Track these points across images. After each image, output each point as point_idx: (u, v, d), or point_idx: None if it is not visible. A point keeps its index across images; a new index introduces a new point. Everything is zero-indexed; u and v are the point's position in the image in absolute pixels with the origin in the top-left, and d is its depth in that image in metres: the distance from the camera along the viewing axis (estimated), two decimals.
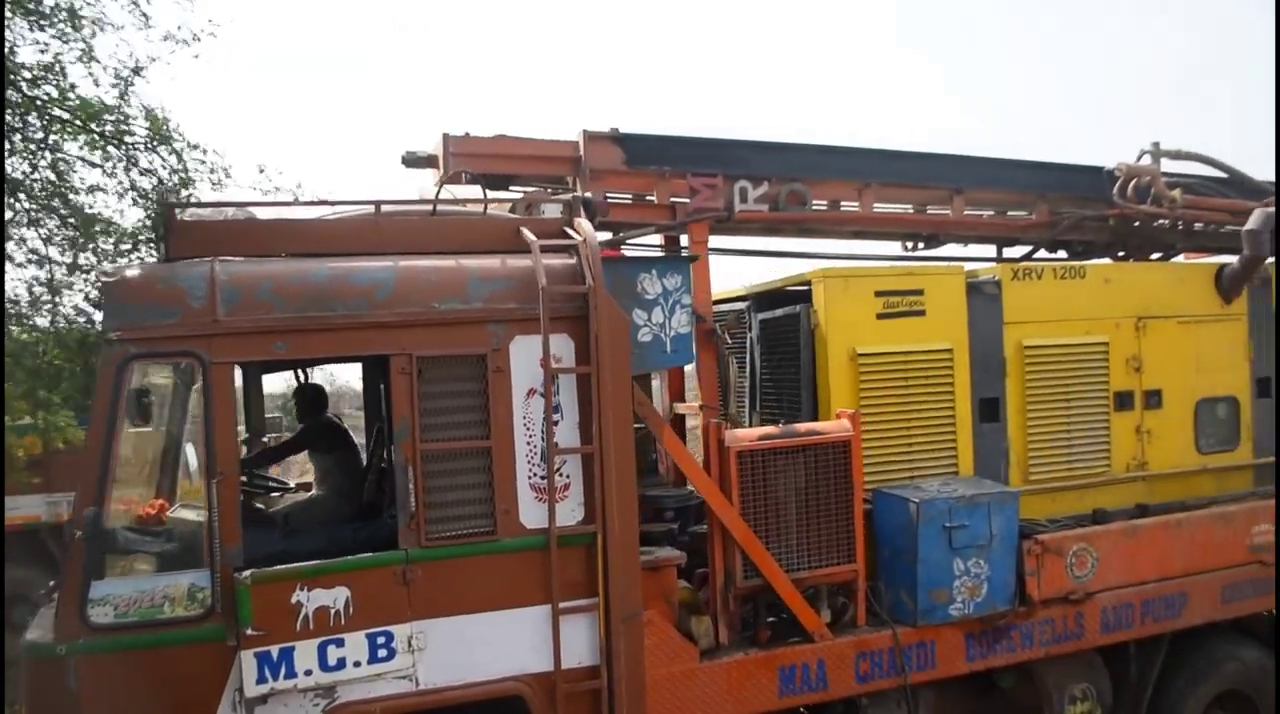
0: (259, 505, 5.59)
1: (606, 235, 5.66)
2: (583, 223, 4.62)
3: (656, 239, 6.04)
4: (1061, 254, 6.99)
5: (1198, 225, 6.88)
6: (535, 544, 4.37)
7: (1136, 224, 6.71)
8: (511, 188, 5.63)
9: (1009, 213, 6.59)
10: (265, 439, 6.42)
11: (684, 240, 5.84)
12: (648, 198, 5.66)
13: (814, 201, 5.93)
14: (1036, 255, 6.84)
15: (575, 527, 4.42)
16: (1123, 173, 6.27)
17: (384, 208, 4.64)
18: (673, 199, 5.64)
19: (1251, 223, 6.12)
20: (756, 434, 4.87)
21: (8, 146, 6.50)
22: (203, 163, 7.58)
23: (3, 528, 3.93)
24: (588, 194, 5.09)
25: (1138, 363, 6.02)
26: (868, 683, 4.95)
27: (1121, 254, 7.01)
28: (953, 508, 4.95)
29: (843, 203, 6.12)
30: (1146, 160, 6.36)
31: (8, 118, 6.72)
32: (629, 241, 5.71)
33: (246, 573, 3.96)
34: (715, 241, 5.94)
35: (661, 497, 5.50)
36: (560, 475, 4.44)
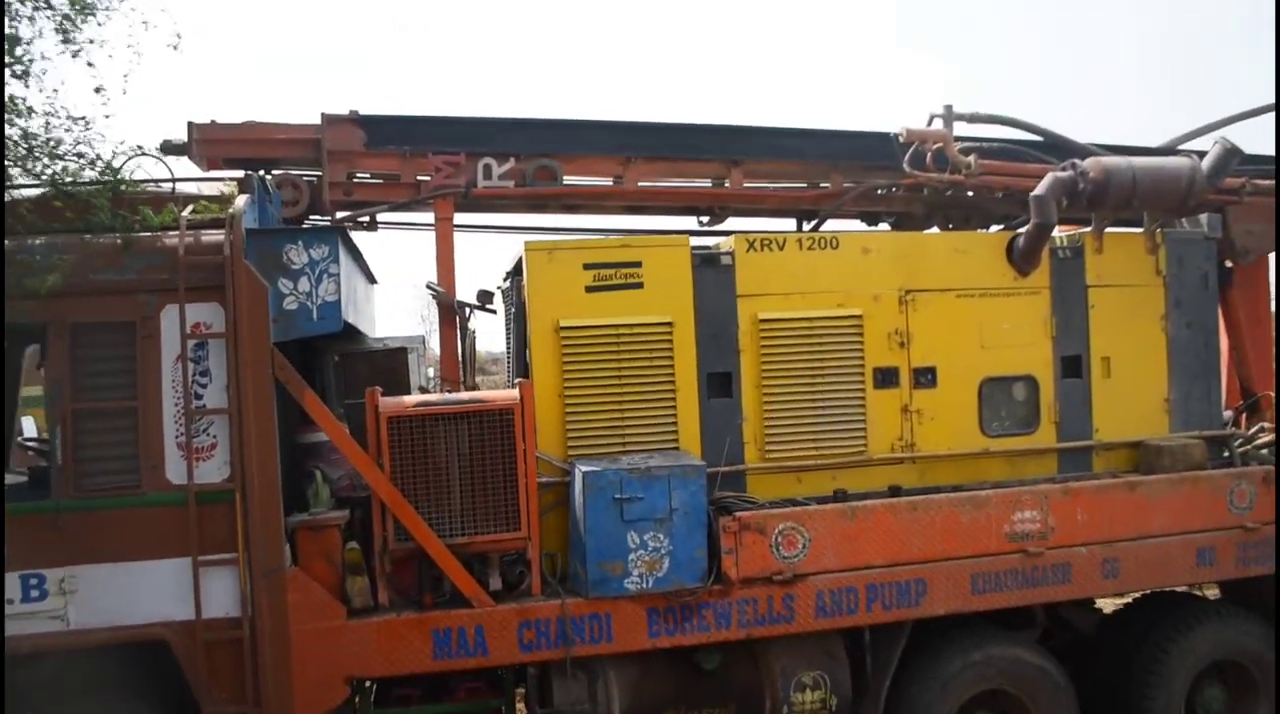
0: None
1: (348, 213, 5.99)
2: (238, 199, 4.96)
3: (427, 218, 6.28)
4: (884, 227, 6.77)
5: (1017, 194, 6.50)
6: (179, 499, 4.76)
7: (949, 193, 6.41)
8: (273, 173, 5.99)
9: (820, 184, 6.45)
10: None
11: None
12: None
13: (580, 179, 6.04)
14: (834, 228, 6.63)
15: (217, 484, 4.78)
16: (907, 138, 6.04)
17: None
18: (419, 178, 5.89)
19: (1040, 188, 5.79)
20: (413, 401, 5.08)
21: None
22: None
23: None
24: (265, 174, 5.43)
25: (903, 338, 5.80)
26: (533, 652, 5.05)
27: (951, 227, 6.70)
28: (624, 479, 4.98)
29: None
30: (938, 124, 6.08)
31: None
32: (355, 220, 5.98)
33: None
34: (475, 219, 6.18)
35: None
36: (207, 435, 4.83)
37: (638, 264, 5.52)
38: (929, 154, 6.08)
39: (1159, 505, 5.68)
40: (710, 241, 6.19)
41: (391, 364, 6.48)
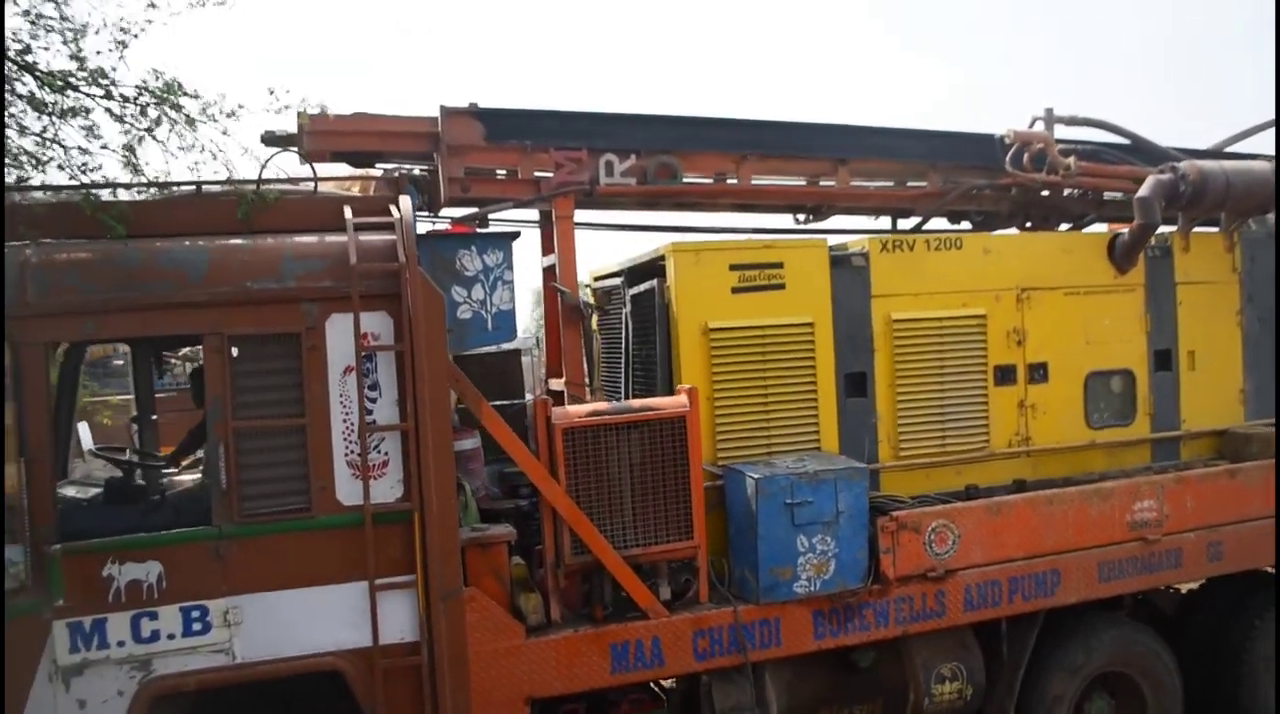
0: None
1: (470, 210, 5.77)
2: (403, 200, 4.71)
3: (533, 214, 6.11)
4: (966, 227, 6.96)
5: (1111, 195, 6.82)
6: (352, 521, 4.51)
7: (1045, 194, 6.66)
8: (377, 165, 5.71)
9: (905, 184, 6.57)
10: (154, 418, 6.59)
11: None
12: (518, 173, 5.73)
13: (691, 175, 5.97)
14: (933, 228, 6.80)
15: (393, 504, 4.55)
16: (1014, 140, 6.22)
17: (205, 188, 4.75)
18: (537, 174, 5.70)
19: (1143, 190, 6.07)
20: (586, 410, 4.96)
21: None
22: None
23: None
24: (417, 170, 5.18)
25: (1020, 336, 6.00)
26: (707, 660, 5.03)
27: (1029, 225, 6.94)
28: (794, 484, 5.00)
29: (727, 177, 6.14)
30: (1039, 127, 6.29)
31: None
32: (492, 217, 5.78)
33: (56, 546, 4.15)
34: (594, 217, 6.03)
35: (518, 473, 5.59)
36: (378, 452, 4.57)
37: (780, 265, 5.53)
38: (1027, 155, 6.27)
39: (1254, 491, 6.07)
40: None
41: (505, 366, 6.28)
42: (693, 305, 5.38)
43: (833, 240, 5.93)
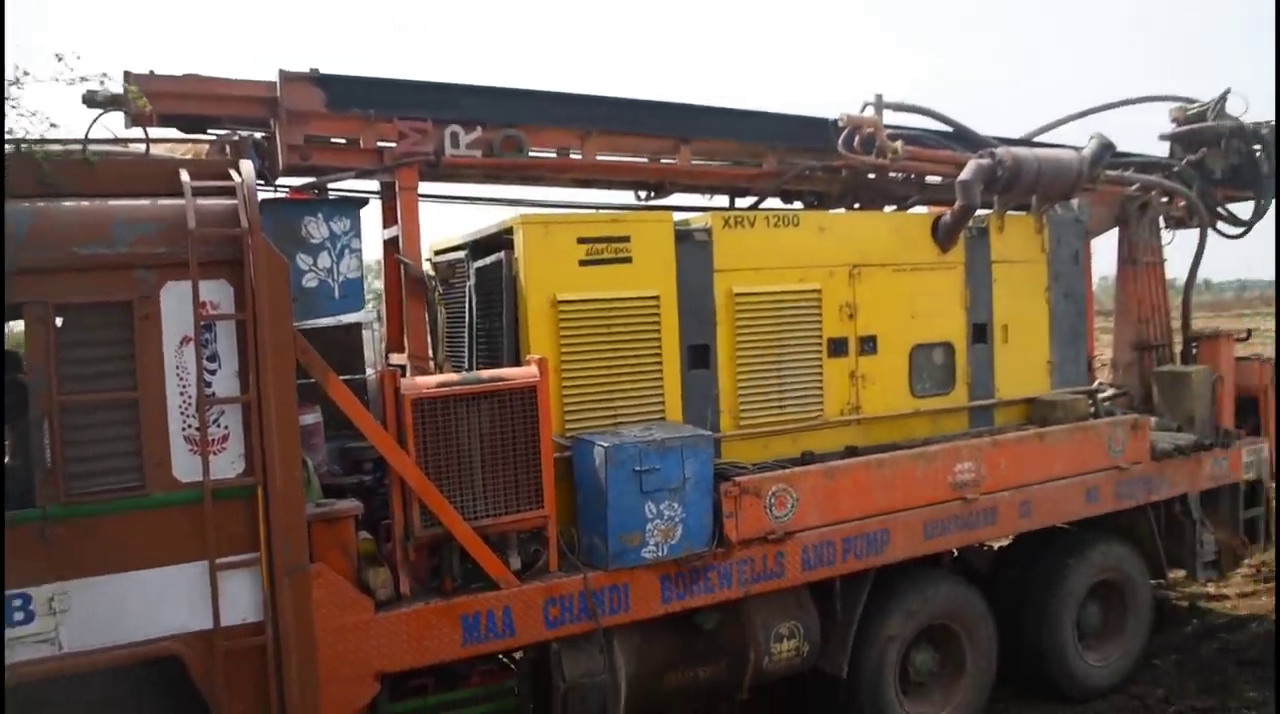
0: None
1: (308, 179, 5.62)
2: (244, 164, 4.56)
3: (374, 185, 6.01)
4: (797, 206, 7.27)
5: (933, 178, 7.26)
6: (190, 498, 4.35)
7: (873, 176, 7.03)
8: (210, 132, 5.48)
9: (742, 164, 6.79)
10: None
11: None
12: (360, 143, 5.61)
13: (537, 149, 6.00)
14: (768, 207, 7.08)
15: (234, 479, 4.42)
16: (846, 123, 6.53)
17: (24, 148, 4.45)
18: (380, 143, 5.61)
19: (965, 174, 6.49)
20: (435, 381, 4.95)
21: None
22: None
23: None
24: (257, 135, 5.02)
25: (852, 310, 6.34)
26: (558, 628, 5.12)
27: (857, 206, 7.31)
28: (643, 452, 5.13)
29: (570, 152, 6.20)
30: (870, 112, 6.63)
31: None
32: (332, 187, 5.65)
33: None
34: (437, 189, 5.99)
35: (361, 447, 5.53)
36: (218, 426, 4.43)
37: (627, 239, 5.64)
38: (858, 138, 6.60)
39: (1059, 453, 6.63)
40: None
41: (346, 340, 6.15)
42: (541, 277, 5.42)
43: (677, 216, 6.08)
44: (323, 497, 4.99)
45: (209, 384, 4.39)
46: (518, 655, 5.43)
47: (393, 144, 5.57)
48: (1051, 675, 6.88)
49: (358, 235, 4.71)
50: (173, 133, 5.39)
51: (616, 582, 5.22)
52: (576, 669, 5.27)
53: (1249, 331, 8.76)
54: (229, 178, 4.58)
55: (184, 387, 4.37)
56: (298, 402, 4.68)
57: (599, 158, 6.20)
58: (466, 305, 6.11)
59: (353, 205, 4.84)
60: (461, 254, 6.21)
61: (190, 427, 4.36)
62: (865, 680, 6.04)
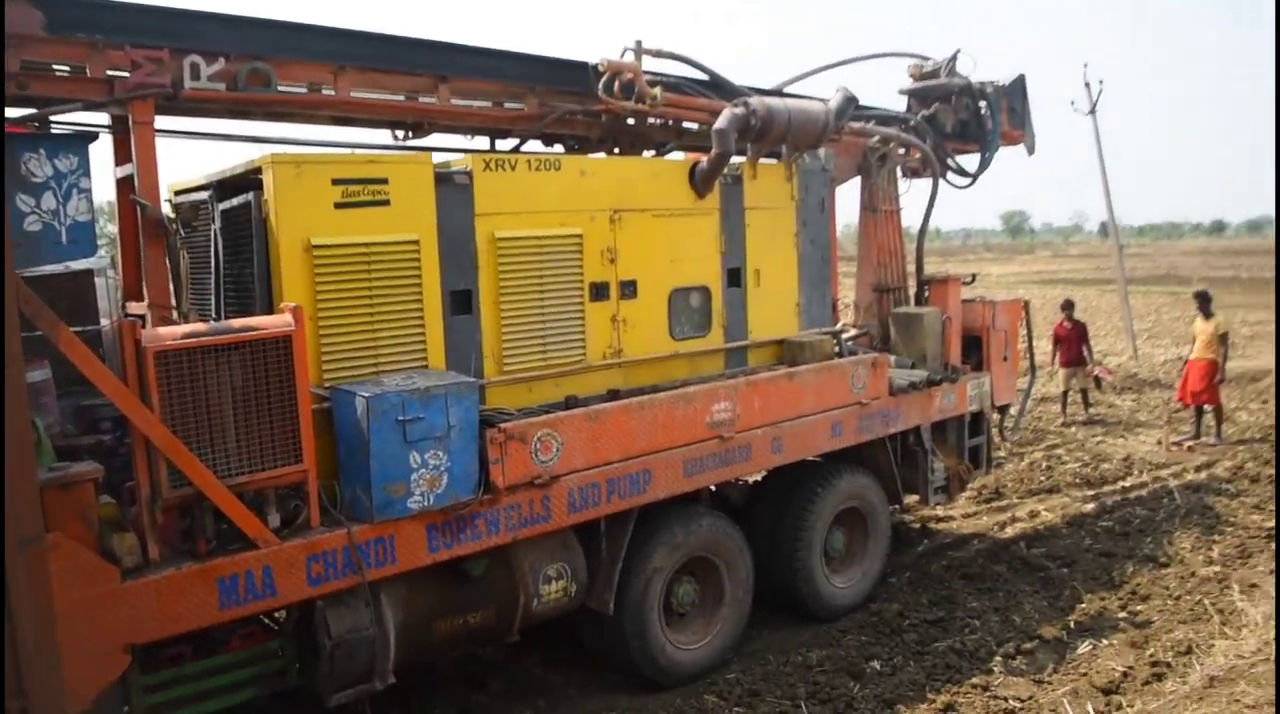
0: None
1: (27, 111, 5.12)
2: None
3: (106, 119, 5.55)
4: (558, 149, 7.32)
5: (690, 125, 7.48)
6: None
7: (632, 122, 7.16)
8: None
9: (503, 105, 6.75)
10: None
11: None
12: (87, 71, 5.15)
13: (286, 84, 5.72)
14: (529, 150, 7.09)
15: None
16: (606, 68, 6.61)
17: None
18: (110, 73, 5.17)
19: (720, 122, 6.73)
20: (181, 332, 4.67)
21: None
22: None
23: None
24: None
25: (613, 254, 6.48)
26: (322, 585, 5.02)
27: (616, 150, 7.44)
28: (406, 401, 5.08)
29: (323, 88, 5.95)
30: (630, 58, 6.73)
31: None
32: (55, 119, 5.17)
33: None
34: (173, 124, 5.61)
35: (98, 406, 5.17)
36: None
37: (384, 181, 5.51)
38: (618, 83, 6.70)
39: (807, 391, 7.09)
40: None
41: (76, 289, 5.65)
42: (294, 221, 5.21)
43: (437, 158, 5.99)
44: (56, 460, 4.65)
45: None
46: (280, 615, 5.31)
47: (125, 74, 5.16)
48: (803, 598, 7.43)
49: (86, 174, 4.34)
50: None
51: (382, 534, 5.17)
52: (342, 625, 5.21)
53: (974, 276, 9.62)
54: None
55: None
56: (24, 357, 4.31)
57: (353, 95, 5.98)
58: (212, 250, 5.79)
59: (80, 141, 4.46)
60: (205, 195, 5.85)
61: None
62: (631, 615, 6.30)
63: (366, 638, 5.26)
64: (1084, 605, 7.81)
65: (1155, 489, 11.13)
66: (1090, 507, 10.55)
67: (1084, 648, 7.02)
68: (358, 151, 5.95)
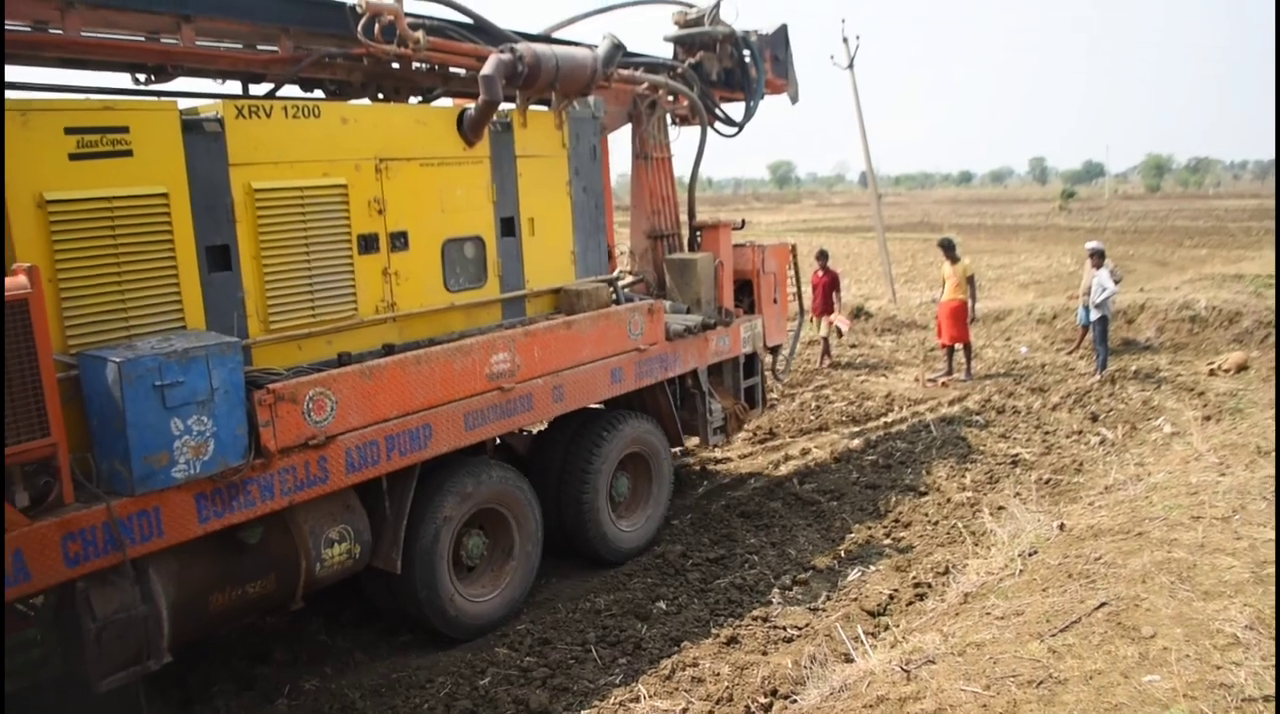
0: None
1: None
2: None
3: None
4: (319, 95, 7.14)
5: (456, 71, 7.45)
6: None
7: (396, 66, 7.06)
8: None
9: (256, 48, 6.52)
10: None
11: None
12: None
13: (10, 22, 5.32)
14: (286, 95, 6.89)
15: None
16: (365, 9, 6.48)
17: None
18: None
19: (486, 68, 6.75)
20: None
21: None
22: None
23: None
24: None
25: (381, 205, 6.42)
26: (80, 565, 4.80)
27: (381, 97, 7.33)
28: (163, 365, 4.90)
29: (50, 28, 5.57)
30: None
31: None
32: None
33: None
34: None
35: None
36: None
37: (125, 129, 5.24)
38: (378, 26, 6.60)
39: (586, 339, 7.30)
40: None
41: None
42: (24, 174, 4.87)
43: (184, 104, 5.73)
44: None
45: None
46: (36, 601, 5.05)
47: None
48: (591, 543, 7.71)
49: None
50: None
51: (145, 507, 4.99)
52: (108, 606, 5.01)
53: (744, 221, 10.09)
54: None
55: None
56: None
57: (84, 34, 5.63)
58: None
59: None
60: None
61: None
62: (420, 572, 6.37)
63: (136, 616, 5.08)
64: (853, 535, 8.48)
65: (914, 424, 12.17)
66: (856, 442, 11.37)
67: (854, 575, 7.62)
68: (93, 98, 5.60)
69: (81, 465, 4.98)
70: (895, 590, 7.23)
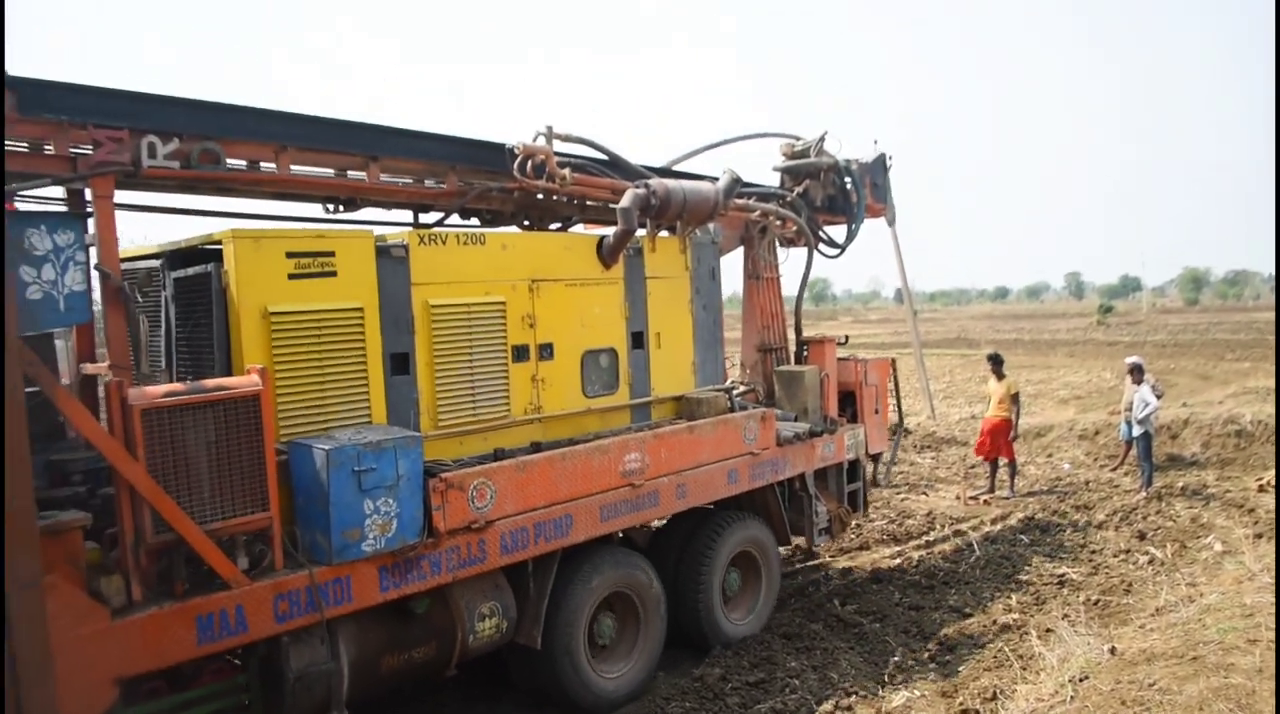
0: None
1: None
2: None
3: (60, 193, 6.20)
4: (474, 222, 8.26)
5: (590, 201, 8.54)
6: None
7: (539, 197, 8.16)
8: None
9: (425, 182, 7.67)
10: None
11: (89, 195, 6.06)
12: (46, 147, 5.80)
13: (232, 161, 6.50)
14: (450, 223, 8.02)
15: None
16: (520, 151, 7.62)
17: None
18: (73, 150, 5.85)
19: (624, 202, 7.80)
20: (162, 391, 5.38)
21: None
22: None
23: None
24: None
25: (532, 320, 7.43)
26: (287, 621, 5.72)
27: (526, 223, 8.44)
28: (361, 453, 5.87)
29: (262, 164, 6.74)
30: (541, 141, 7.76)
31: None
32: (22, 193, 5.81)
33: None
34: (126, 198, 6.29)
35: (68, 461, 5.78)
36: None
37: (331, 253, 6.34)
38: (530, 164, 7.72)
39: (706, 442, 8.15)
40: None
41: (37, 350, 6.19)
42: (253, 290, 5.98)
43: (376, 232, 6.84)
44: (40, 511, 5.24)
45: None
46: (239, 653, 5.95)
47: (87, 151, 5.86)
48: (704, 632, 8.42)
49: (82, 248, 5.04)
50: None
51: (339, 574, 5.91)
52: (303, 660, 5.90)
53: (846, 337, 10.93)
54: None
55: None
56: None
57: (293, 171, 6.80)
58: (163, 315, 6.48)
59: (77, 219, 5.16)
60: (156, 263, 6.55)
61: None
62: (559, 648, 7.16)
63: (324, 672, 5.96)
64: (896, 659, 8.30)
65: (956, 542, 12.16)
66: (897, 561, 11.39)
67: (899, 701, 7.43)
68: (305, 226, 6.74)
69: (289, 536, 5.93)
70: None
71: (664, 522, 8.84)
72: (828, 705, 7.39)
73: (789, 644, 8.68)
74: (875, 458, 11.01)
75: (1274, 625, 6.92)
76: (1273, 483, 13.91)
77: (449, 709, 7.70)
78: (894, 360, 11.22)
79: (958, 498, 14.77)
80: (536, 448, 7.28)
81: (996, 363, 15.28)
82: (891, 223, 11.86)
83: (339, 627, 6.10)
